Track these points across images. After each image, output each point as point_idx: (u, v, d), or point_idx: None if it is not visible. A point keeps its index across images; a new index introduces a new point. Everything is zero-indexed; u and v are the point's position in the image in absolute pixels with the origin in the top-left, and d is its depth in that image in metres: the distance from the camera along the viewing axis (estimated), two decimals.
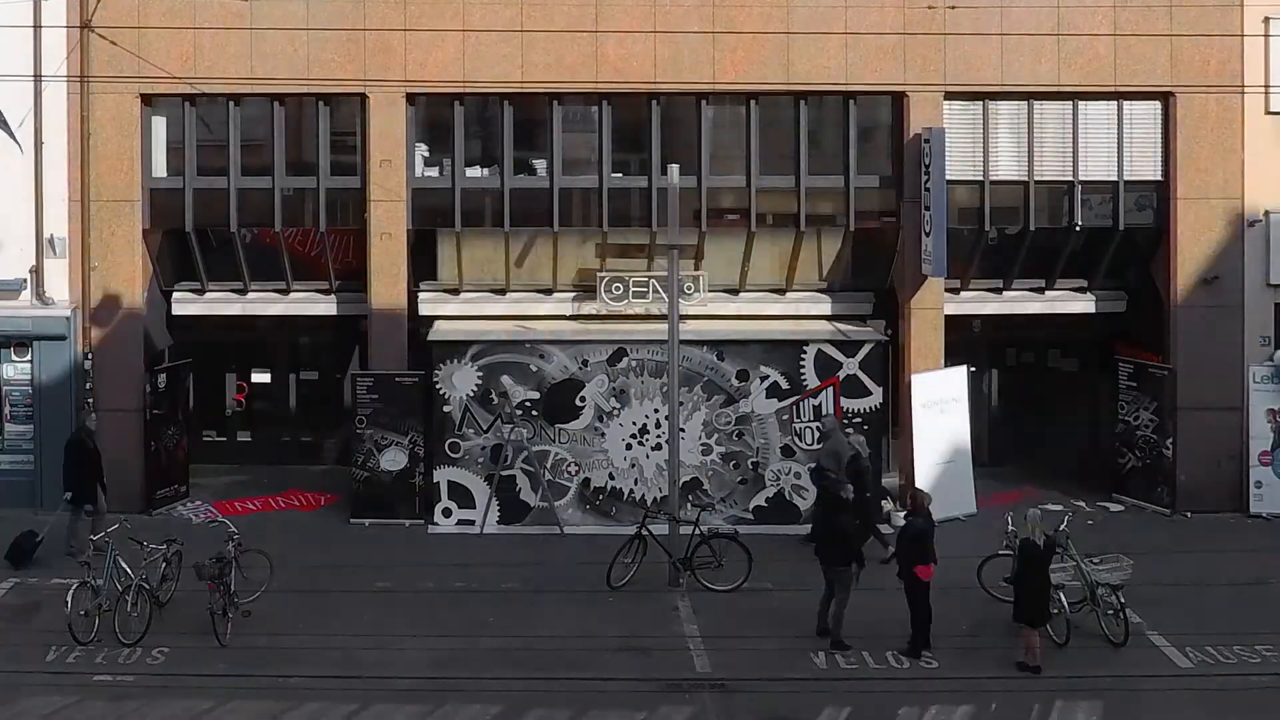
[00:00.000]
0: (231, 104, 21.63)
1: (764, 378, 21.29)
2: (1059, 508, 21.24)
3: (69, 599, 16.31)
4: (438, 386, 21.15)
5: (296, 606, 17.54)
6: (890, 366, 22.08)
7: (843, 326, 21.97)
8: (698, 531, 18.69)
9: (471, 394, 21.12)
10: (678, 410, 19.23)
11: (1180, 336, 21.84)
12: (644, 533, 18.55)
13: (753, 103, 21.85)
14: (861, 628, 16.48)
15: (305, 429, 24.50)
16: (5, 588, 18.19)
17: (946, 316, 22.07)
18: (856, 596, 16.56)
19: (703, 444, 21.20)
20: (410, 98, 21.58)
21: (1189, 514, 21.61)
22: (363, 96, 21.47)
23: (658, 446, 20.96)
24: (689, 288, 21.33)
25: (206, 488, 22.84)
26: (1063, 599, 16.48)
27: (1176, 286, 21.84)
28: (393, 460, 21.19)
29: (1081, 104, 21.87)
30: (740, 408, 21.28)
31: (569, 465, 21.23)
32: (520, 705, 14.96)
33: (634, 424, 21.26)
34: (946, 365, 21.93)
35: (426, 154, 22.26)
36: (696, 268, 21.89)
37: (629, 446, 21.24)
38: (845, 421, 21.05)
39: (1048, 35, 21.47)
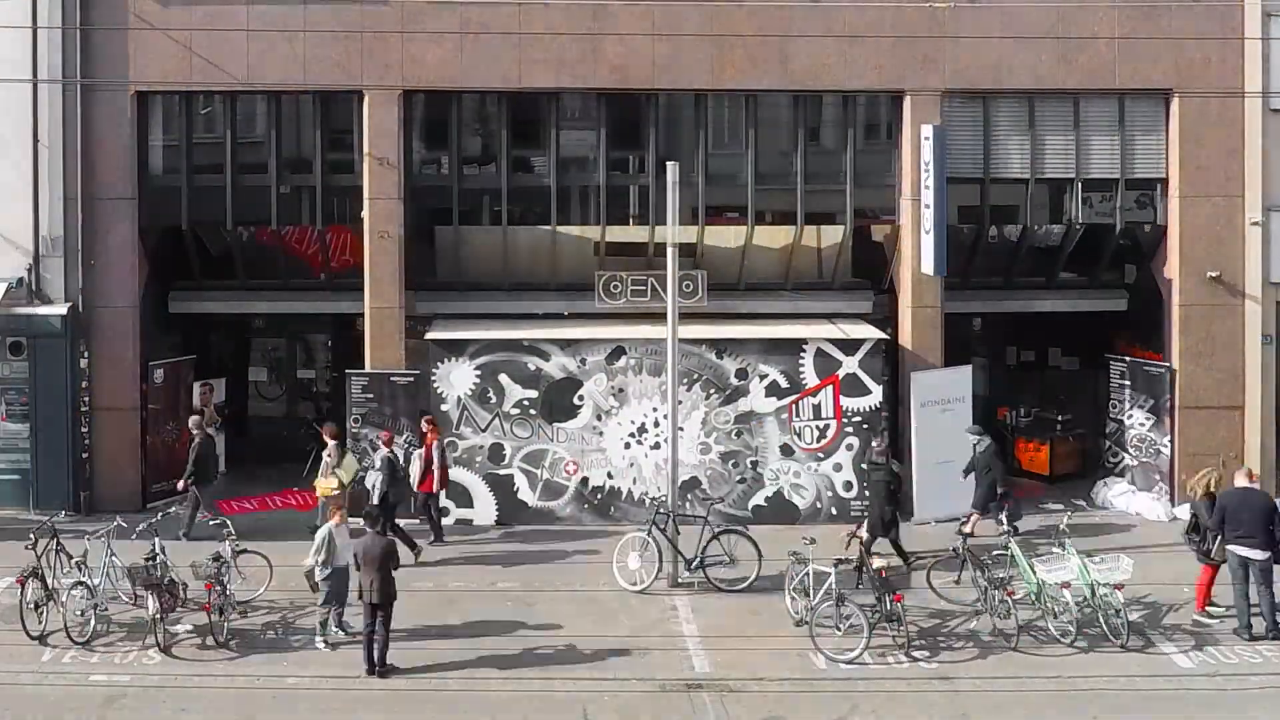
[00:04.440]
0: (228, 102, 21.57)
1: (763, 376, 21.23)
2: (1059, 507, 21.22)
3: (65, 599, 16.27)
4: (435, 385, 21.09)
5: (293, 607, 17.49)
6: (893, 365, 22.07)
7: (842, 325, 21.91)
8: (707, 527, 18.60)
9: (469, 393, 21.07)
10: (677, 409, 19.17)
11: (1181, 334, 21.79)
12: (654, 532, 18.47)
13: (752, 101, 21.80)
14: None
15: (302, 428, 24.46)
16: (0, 586, 18.11)
17: (946, 315, 22.02)
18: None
19: (701, 443, 21.15)
20: (407, 96, 21.52)
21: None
22: (359, 94, 21.42)
23: (656, 445, 20.91)
24: (688, 286, 21.27)
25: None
26: (1068, 597, 16.42)
27: (1177, 284, 21.80)
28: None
29: (1082, 102, 21.82)
30: (739, 406, 21.23)
31: (567, 464, 21.17)
32: (519, 706, 14.90)
33: (632, 423, 21.20)
34: (946, 364, 21.87)
35: (424, 152, 22.20)
36: (695, 266, 21.83)
37: (627, 446, 21.19)
38: (845, 420, 21.01)
39: (1048, 37, 21.41)
